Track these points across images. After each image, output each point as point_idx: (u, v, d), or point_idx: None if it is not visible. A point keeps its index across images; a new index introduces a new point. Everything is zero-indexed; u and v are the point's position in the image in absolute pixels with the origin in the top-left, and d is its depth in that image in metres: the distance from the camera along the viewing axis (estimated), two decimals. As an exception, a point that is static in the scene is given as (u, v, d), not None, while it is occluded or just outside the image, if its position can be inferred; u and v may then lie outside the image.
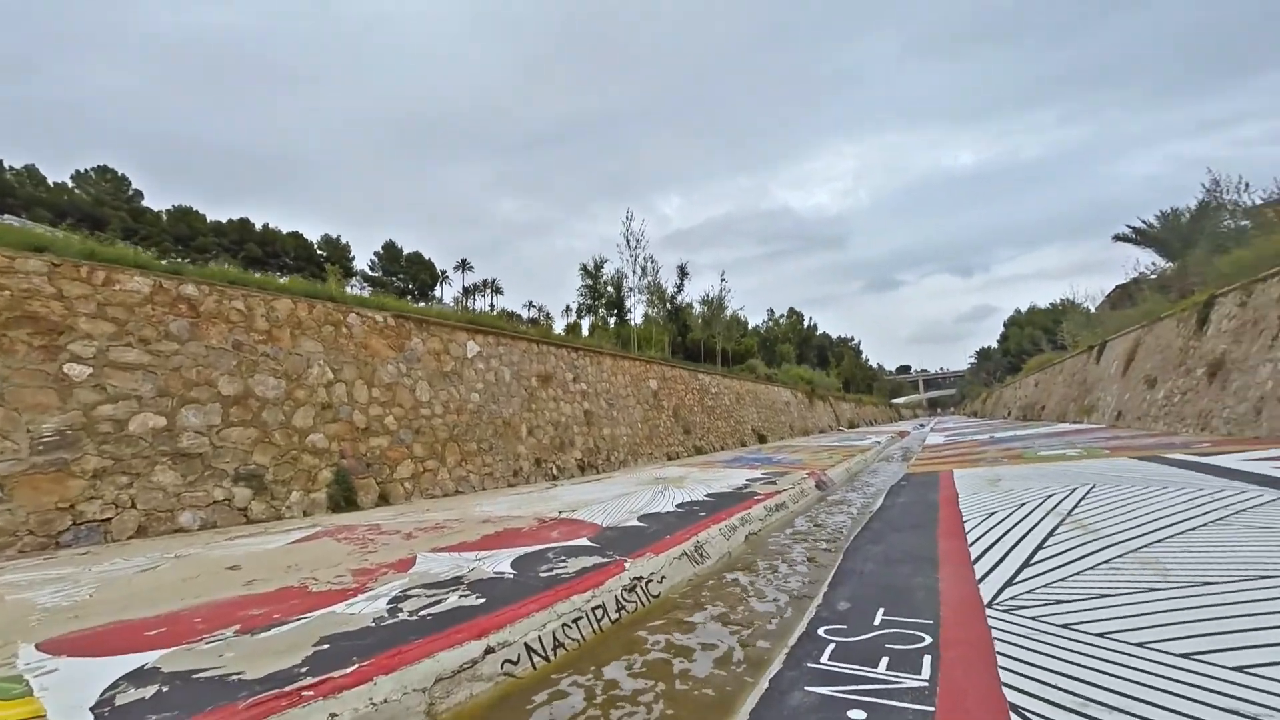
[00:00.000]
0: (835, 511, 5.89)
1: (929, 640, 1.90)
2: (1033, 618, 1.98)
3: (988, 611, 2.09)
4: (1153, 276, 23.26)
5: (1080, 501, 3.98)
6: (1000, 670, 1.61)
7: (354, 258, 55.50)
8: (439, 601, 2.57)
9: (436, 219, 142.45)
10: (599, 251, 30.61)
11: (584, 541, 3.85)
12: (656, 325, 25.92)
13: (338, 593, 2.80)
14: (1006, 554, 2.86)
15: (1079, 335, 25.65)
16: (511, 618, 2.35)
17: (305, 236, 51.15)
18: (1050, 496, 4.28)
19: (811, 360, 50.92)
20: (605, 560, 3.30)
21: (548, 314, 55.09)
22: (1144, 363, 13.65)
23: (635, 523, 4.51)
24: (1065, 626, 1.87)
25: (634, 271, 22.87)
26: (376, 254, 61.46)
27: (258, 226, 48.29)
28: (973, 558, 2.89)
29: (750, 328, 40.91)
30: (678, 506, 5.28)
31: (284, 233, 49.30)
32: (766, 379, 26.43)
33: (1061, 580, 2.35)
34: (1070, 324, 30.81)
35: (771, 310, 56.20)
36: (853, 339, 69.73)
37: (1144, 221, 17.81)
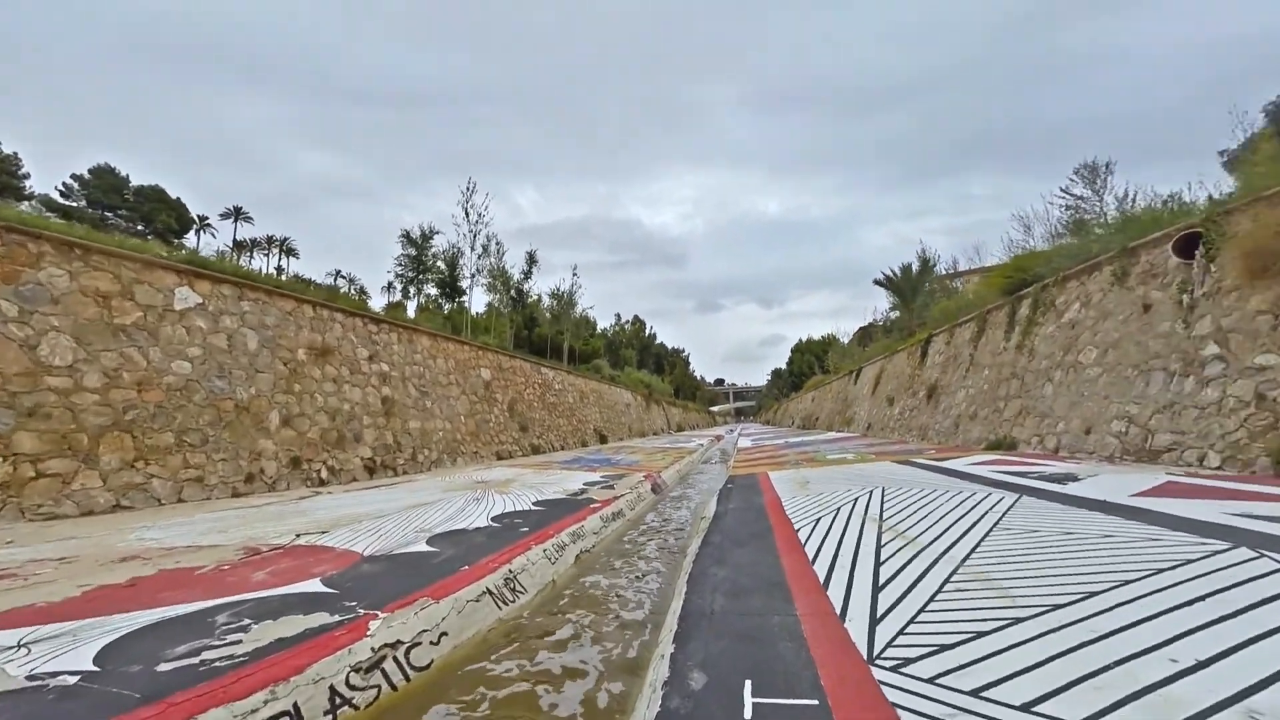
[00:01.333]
0: (671, 517, 5.44)
1: (827, 749, 1.23)
2: (929, 680, 1.49)
3: (875, 673, 1.55)
4: (882, 322, 30.68)
5: (883, 505, 4.13)
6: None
7: (27, 175, 34.81)
8: None
9: (207, 156, 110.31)
10: (440, 229, 26.26)
11: (313, 586, 2.43)
12: (499, 314, 23.42)
13: None
14: (852, 574, 2.52)
15: (839, 363, 32.30)
16: None
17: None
18: (856, 500, 4.40)
19: (650, 366, 53.69)
20: (334, 620, 2.00)
21: (362, 289, 46.30)
22: (886, 385, 17.28)
23: (421, 547, 3.22)
24: (975, 694, 1.39)
25: (472, 249, 20.16)
26: (76, 176, 39.99)
27: None
28: (821, 580, 2.49)
29: (599, 330, 41.00)
30: (493, 520, 4.12)
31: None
32: (611, 380, 26.48)
33: (924, 611, 2.00)
34: (834, 353, 38.83)
35: (618, 315, 57.47)
36: (684, 351, 76.14)
37: (892, 270, 23.33)
